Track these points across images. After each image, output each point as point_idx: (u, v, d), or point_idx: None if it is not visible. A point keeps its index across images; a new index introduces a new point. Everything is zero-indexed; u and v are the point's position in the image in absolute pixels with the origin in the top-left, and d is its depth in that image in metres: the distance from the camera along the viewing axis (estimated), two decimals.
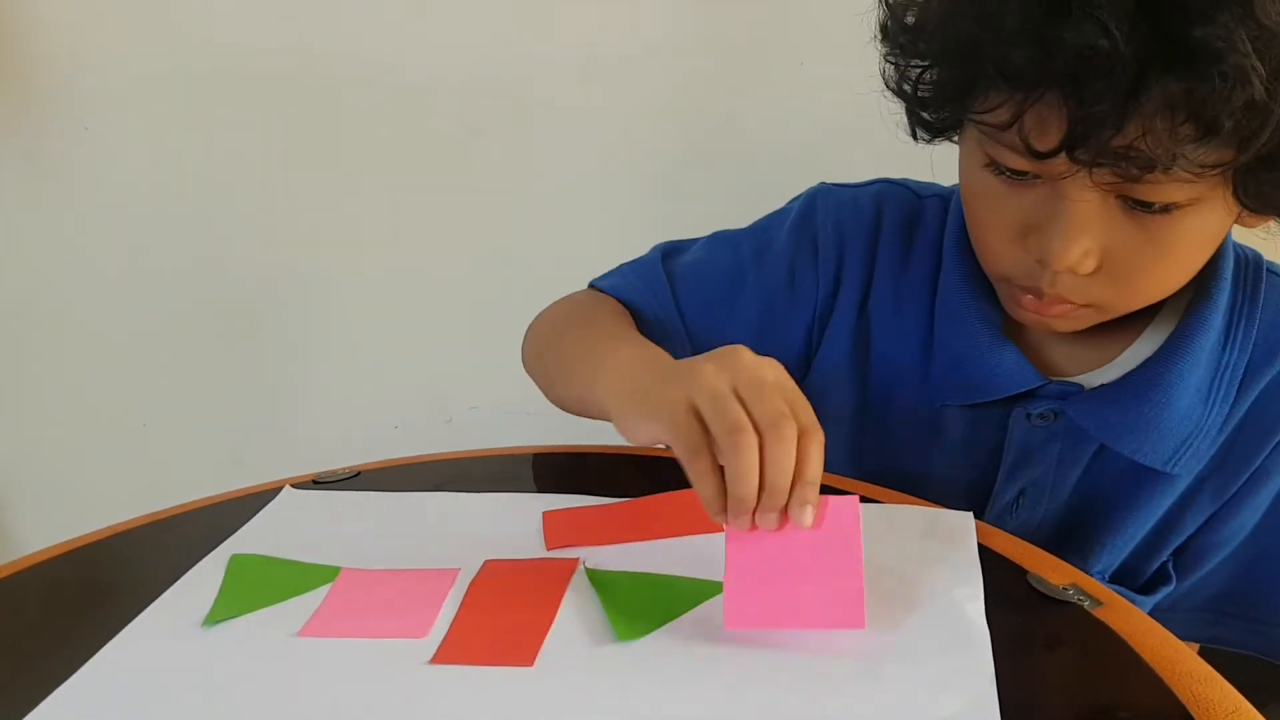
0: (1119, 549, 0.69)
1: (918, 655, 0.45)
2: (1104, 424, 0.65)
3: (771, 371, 0.50)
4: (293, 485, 0.67)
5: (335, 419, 1.20)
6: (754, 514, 0.48)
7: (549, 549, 0.57)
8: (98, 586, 0.58)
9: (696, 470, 0.49)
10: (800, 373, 0.73)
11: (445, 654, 0.47)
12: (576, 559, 0.55)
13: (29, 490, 1.27)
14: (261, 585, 0.54)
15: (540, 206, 1.18)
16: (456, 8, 1.04)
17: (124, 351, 1.20)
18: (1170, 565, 0.70)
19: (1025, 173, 0.57)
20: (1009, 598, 0.50)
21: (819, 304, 0.73)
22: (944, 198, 0.72)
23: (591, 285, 0.76)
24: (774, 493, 0.47)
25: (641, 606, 0.50)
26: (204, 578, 0.56)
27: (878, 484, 0.65)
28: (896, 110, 0.64)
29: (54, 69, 1.09)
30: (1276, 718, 0.46)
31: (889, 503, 0.61)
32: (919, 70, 0.60)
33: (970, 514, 0.58)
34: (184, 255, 1.16)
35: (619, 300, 0.73)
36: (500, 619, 0.50)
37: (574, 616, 0.50)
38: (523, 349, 0.75)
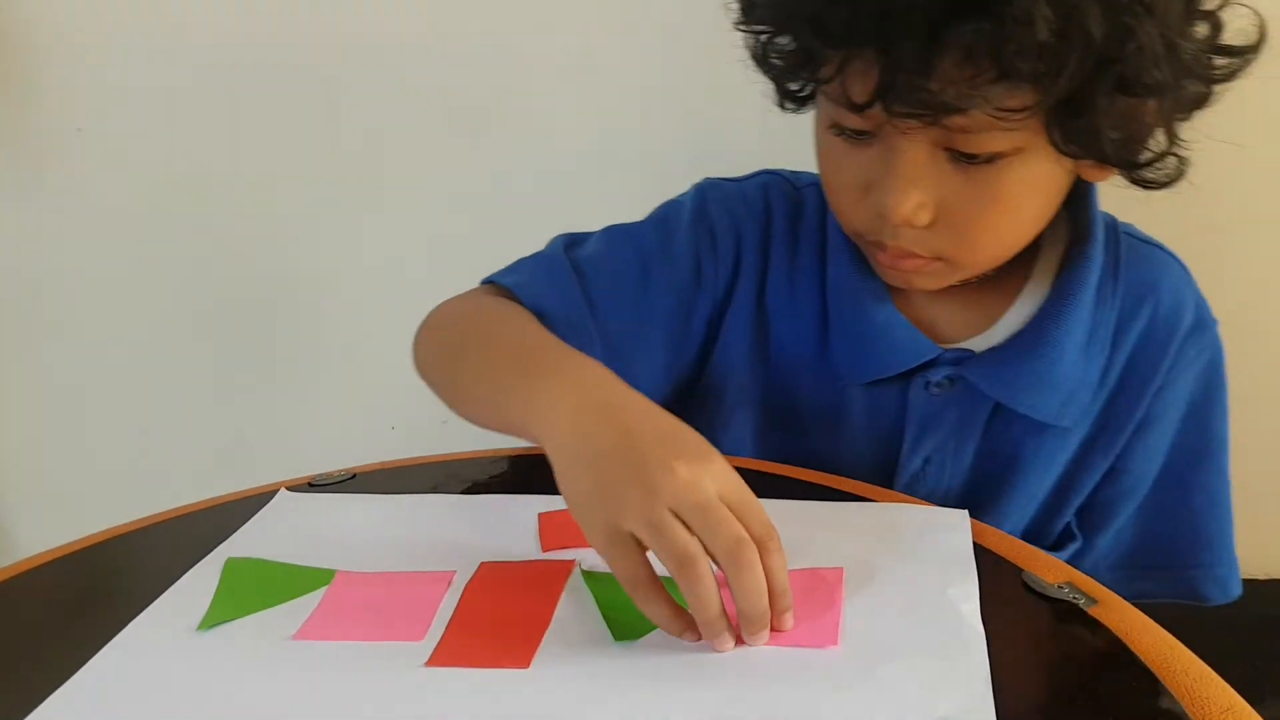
0: (1024, 508, 0.72)
1: (913, 656, 0.45)
2: (999, 383, 0.68)
3: (710, 478, 0.47)
4: (289, 488, 0.67)
5: (332, 420, 1.20)
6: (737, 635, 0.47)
7: (545, 550, 0.57)
8: (94, 590, 0.58)
9: (640, 598, 0.47)
10: (704, 362, 0.75)
11: (441, 656, 0.47)
12: (572, 560, 0.55)
13: (25, 494, 1.27)
14: (257, 589, 0.54)
15: (538, 207, 1.18)
16: (454, 8, 1.04)
17: (119, 354, 1.20)
18: (1074, 524, 0.73)
19: (864, 132, 0.61)
20: (1003, 596, 0.50)
21: (719, 295, 0.74)
22: (819, 186, 0.73)
23: (491, 281, 0.73)
24: (755, 619, 0.46)
25: (637, 608, 0.50)
26: (199, 581, 0.56)
27: (785, 464, 0.67)
28: None
29: (46, 71, 1.09)
30: (1272, 714, 0.46)
31: (882, 501, 0.61)
32: (765, 39, 0.64)
33: (965, 512, 0.58)
34: (179, 258, 1.16)
35: (525, 300, 0.70)
36: (496, 621, 0.50)
37: (570, 618, 0.50)
38: (417, 348, 0.71)
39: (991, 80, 0.53)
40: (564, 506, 0.60)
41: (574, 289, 0.71)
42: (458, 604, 0.52)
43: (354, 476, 0.69)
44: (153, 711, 0.45)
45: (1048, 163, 0.59)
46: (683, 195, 0.77)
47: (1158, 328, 0.70)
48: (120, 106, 1.10)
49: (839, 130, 0.63)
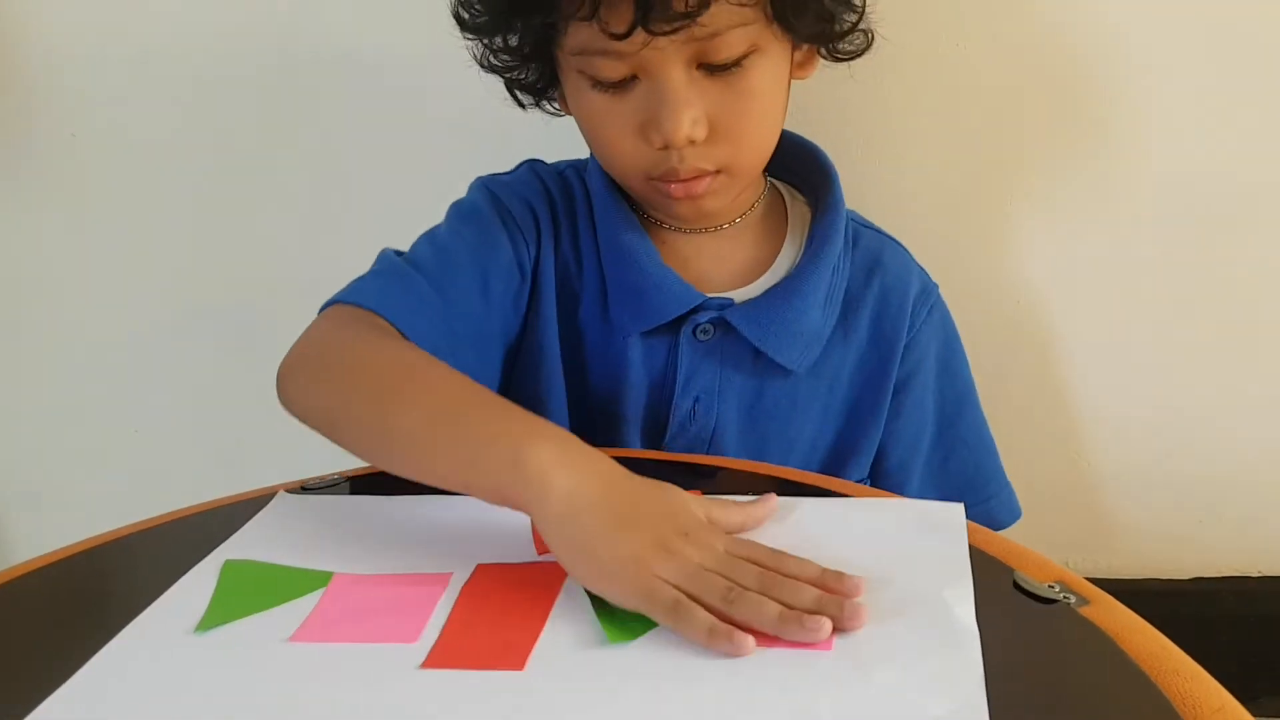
0: (799, 455, 0.81)
1: (907, 656, 0.46)
2: (755, 328, 0.76)
3: (716, 540, 0.53)
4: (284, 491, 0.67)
5: None
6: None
7: (539, 554, 0.57)
8: (91, 594, 0.58)
9: (688, 623, 0.47)
10: (524, 332, 0.81)
11: (436, 658, 0.47)
12: None
13: (21, 497, 1.27)
14: (254, 591, 0.55)
15: None
16: (447, 8, 1.04)
17: (114, 357, 1.20)
18: (870, 486, 0.82)
19: (623, 81, 0.69)
20: (994, 596, 0.50)
21: (528, 270, 0.80)
22: (575, 165, 0.84)
23: (342, 302, 0.72)
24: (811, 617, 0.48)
25: (632, 610, 0.50)
26: (197, 584, 0.56)
27: (589, 422, 0.80)
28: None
29: (38, 75, 1.08)
30: (1265, 712, 0.46)
31: (876, 498, 0.62)
32: (499, 37, 0.73)
33: (960, 506, 0.59)
34: (174, 261, 1.15)
35: (397, 321, 0.69)
36: (491, 623, 0.50)
37: (565, 620, 0.50)
38: (289, 387, 0.68)
39: None
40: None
41: (431, 297, 0.73)
42: (453, 606, 0.52)
43: (347, 481, 0.69)
44: (150, 713, 0.45)
45: (778, 56, 0.71)
46: (468, 195, 0.83)
47: (890, 294, 0.81)
48: (114, 111, 1.09)
49: (600, 87, 0.70)
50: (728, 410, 0.79)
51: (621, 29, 0.63)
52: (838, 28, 0.73)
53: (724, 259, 0.80)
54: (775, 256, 0.80)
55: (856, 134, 1.02)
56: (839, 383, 0.81)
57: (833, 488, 0.64)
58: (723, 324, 0.77)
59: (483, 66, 0.76)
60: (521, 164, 0.86)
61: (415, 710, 0.44)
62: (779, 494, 0.60)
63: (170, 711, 0.45)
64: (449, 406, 0.60)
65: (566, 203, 0.82)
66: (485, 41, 0.74)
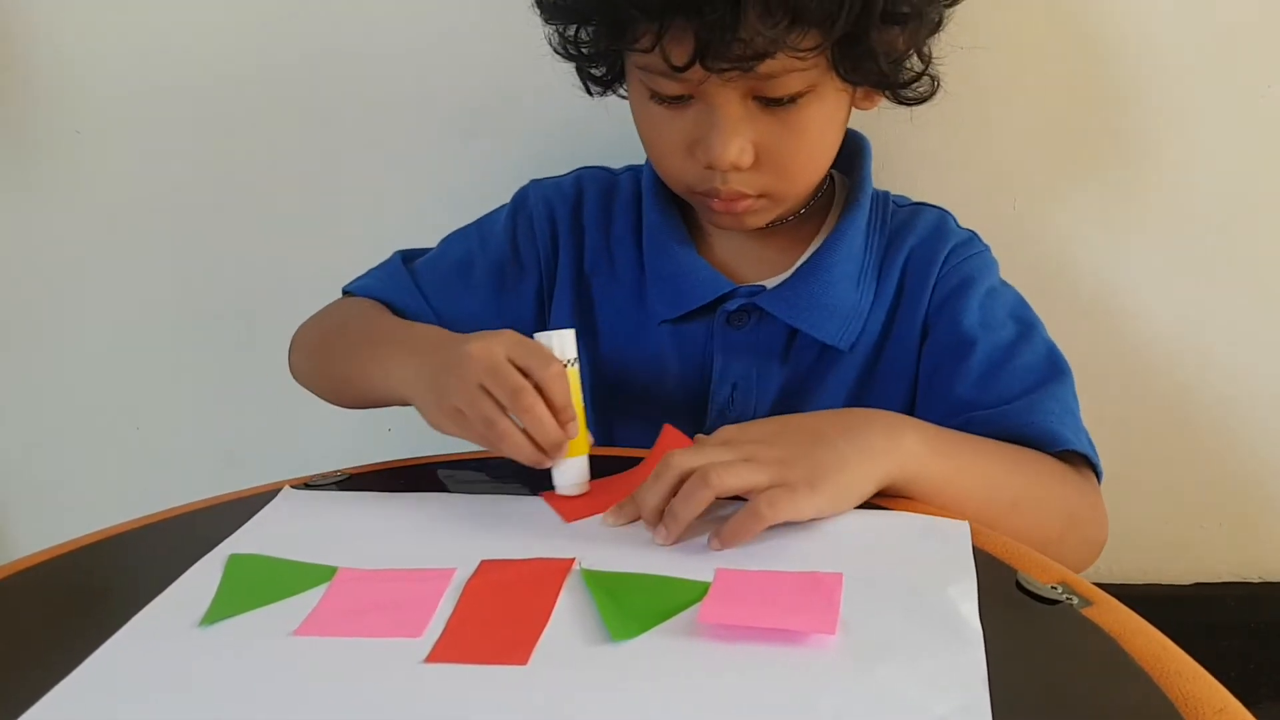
0: None
1: (911, 654, 0.46)
2: (787, 308, 0.79)
3: (498, 346, 0.63)
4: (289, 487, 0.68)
5: (329, 422, 1.20)
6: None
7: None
8: (94, 589, 0.58)
9: (495, 439, 0.61)
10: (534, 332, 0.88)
11: (440, 653, 0.48)
12: (572, 559, 0.56)
13: (24, 493, 1.27)
14: (259, 585, 0.55)
15: None
16: (449, 9, 1.04)
17: (117, 355, 1.20)
18: None
19: (680, 96, 0.71)
20: (998, 597, 0.50)
21: (543, 273, 0.87)
22: (636, 167, 0.89)
23: (345, 291, 0.88)
24: (550, 445, 0.62)
25: (636, 606, 0.50)
26: (202, 577, 0.56)
27: (617, 411, 0.84)
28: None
29: (45, 72, 1.09)
30: (1267, 718, 0.46)
31: (884, 509, 0.62)
32: (576, 28, 0.75)
33: (966, 523, 0.59)
34: (177, 258, 1.15)
35: (374, 298, 0.84)
36: (495, 618, 0.50)
37: (569, 616, 0.50)
38: (291, 360, 0.86)
39: (787, 27, 0.63)
40: (560, 514, 0.62)
41: (408, 283, 0.85)
42: (458, 601, 0.52)
43: (349, 478, 0.70)
44: (154, 705, 0.45)
45: (835, 96, 0.72)
46: (503, 207, 0.90)
47: (919, 253, 0.81)
48: (119, 108, 1.10)
49: (659, 99, 0.72)
50: (766, 397, 0.81)
51: (680, 63, 0.66)
52: (901, 77, 0.74)
53: (764, 254, 0.83)
54: (809, 245, 0.82)
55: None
56: (874, 354, 0.81)
57: None
58: (757, 311, 0.80)
59: (555, 51, 0.78)
60: (573, 171, 0.91)
61: (419, 705, 0.44)
62: None
63: (174, 705, 0.45)
64: (358, 339, 0.77)
65: (605, 203, 0.87)
66: (560, 30, 0.76)
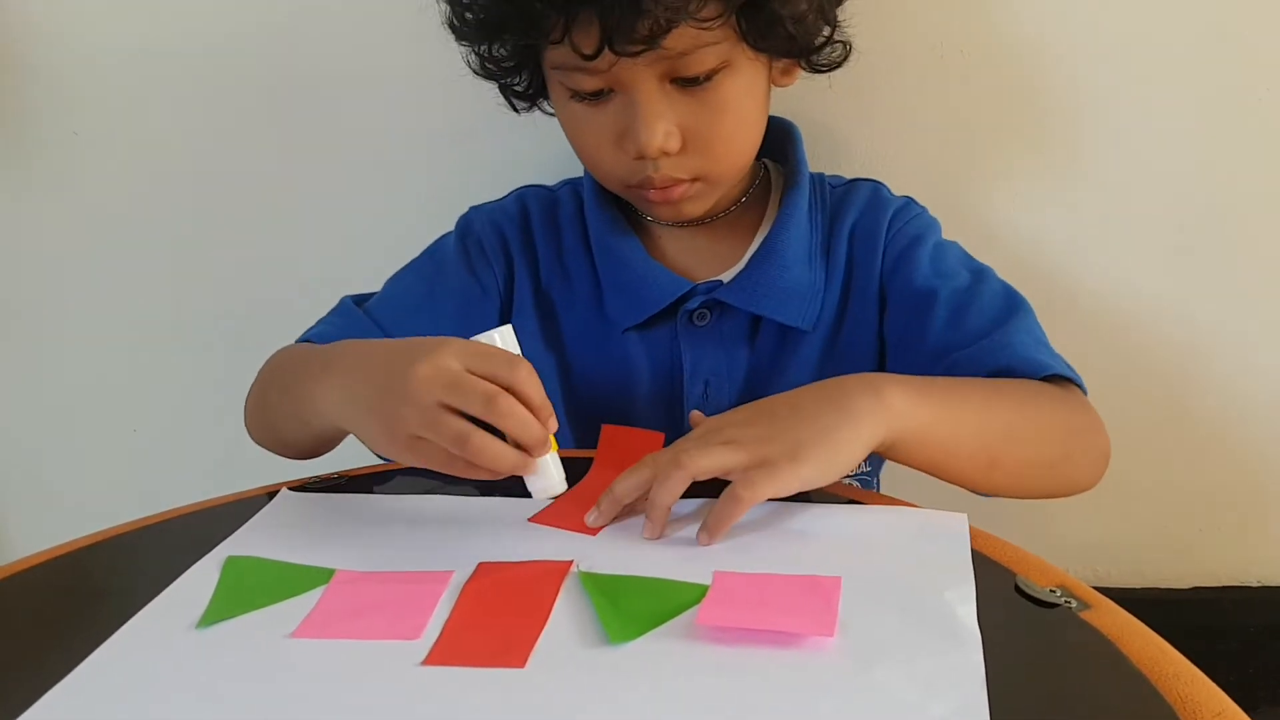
0: None
1: (909, 656, 0.46)
2: (747, 297, 0.80)
3: (450, 358, 0.57)
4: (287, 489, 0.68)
5: None
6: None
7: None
8: (91, 591, 0.58)
9: (473, 452, 0.55)
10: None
11: (438, 655, 0.47)
12: (570, 561, 0.56)
13: (23, 494, 1.27)
14: (256, 587, 0.55)
15: None
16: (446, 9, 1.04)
17: (115, 356, 1.19)
18: None
19: (600, 92, 0.72)
20: (996, 600, 0.50)
21: (502, 295, 0.86)
22: (573, 181, 0.89)
23: (298, 341, 0.80)
24: (534, 444, 0.57)
25: (634, 609, 0.50)
26: (199, 579, 0.56)
27: (593, 421, 0.75)
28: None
29: (43, 74, 1.09)
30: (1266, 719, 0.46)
31: (880, 505, 0.62)
32: (484, 49, 0.76)
33: (964, 516, 0.59)
34: (175, 259, 1.15)
35: (321, 343, 0.76)
36: (493, 620, 0.50)
37: (566, 618, 0.50)
38: (246, 425, 0.80)
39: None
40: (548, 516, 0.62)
41: (365, 321, 0.80)
42: (455, 603, 0.52)
43: (346, 480, 0.70)
44: (150, 707, 0.45)
45: (750, 69, 0.73)
46: (446, 236, 0.89)
47: (861, 225, 0.83)
48: (117, 109, 1.09)
49: (579, 97, 0.73)
50: (736, 385, 0.82)
51: (590, 50, 0.67)
52: (811, 43, 0.75)
53: (714, 249, 0.83)
54: (754, 236, 0.83)
55: (843, 139, 1.02)
56: (834, 330, 0.82)
57: (836, 493, 0.64)
58: (717, 305, 0.81)
59: (476, 73, 0.79)
60: (511, 192, 0.90)
61: (416, 707, 0.44)
62: (781, 501, 0.60)
63: (172, 706, 0.45)
64: (288, 380, 0.71)
65: (550, 218, 0.87)
66: (476, 50, 0.78)
